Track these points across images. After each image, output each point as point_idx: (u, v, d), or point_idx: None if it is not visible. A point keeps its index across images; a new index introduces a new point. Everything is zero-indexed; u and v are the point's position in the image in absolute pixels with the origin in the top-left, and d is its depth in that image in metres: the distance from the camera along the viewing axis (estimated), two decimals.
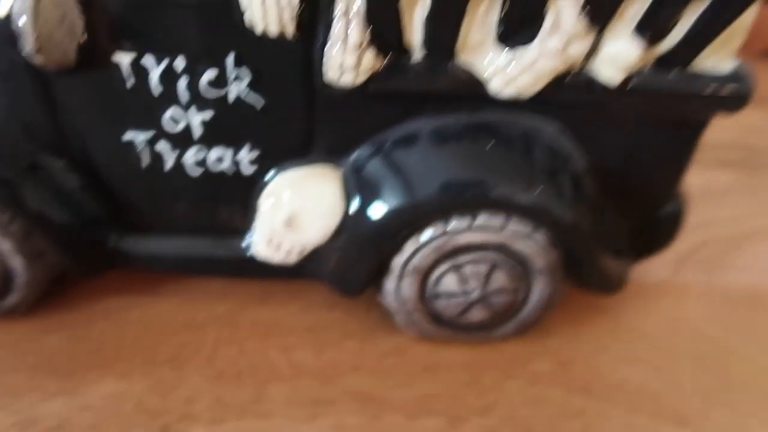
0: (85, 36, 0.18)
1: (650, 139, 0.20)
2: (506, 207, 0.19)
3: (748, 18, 0.18)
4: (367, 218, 0.20)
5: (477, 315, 0.22)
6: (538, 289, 0.21)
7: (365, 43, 0.17)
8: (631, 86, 0.18)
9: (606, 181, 0.21)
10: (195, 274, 0.23)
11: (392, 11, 0.17)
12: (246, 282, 0.24)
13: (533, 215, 0.20)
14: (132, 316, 0.23)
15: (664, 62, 0.18)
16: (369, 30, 0.17)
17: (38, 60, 0.17)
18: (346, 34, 0.17)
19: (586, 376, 0.22)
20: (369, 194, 0.20)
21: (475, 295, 0.21)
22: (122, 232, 0.22)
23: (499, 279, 0.21)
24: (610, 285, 0.22)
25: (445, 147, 0.19)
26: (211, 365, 0.22)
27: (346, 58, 0.18)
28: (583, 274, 0.21)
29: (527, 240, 0.20)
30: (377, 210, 0.20)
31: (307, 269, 0.22)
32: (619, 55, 0.18)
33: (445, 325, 0.22)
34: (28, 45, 0.17)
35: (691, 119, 0.20)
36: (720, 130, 0.32)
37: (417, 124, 0.19)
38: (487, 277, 0.21)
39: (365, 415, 0.20)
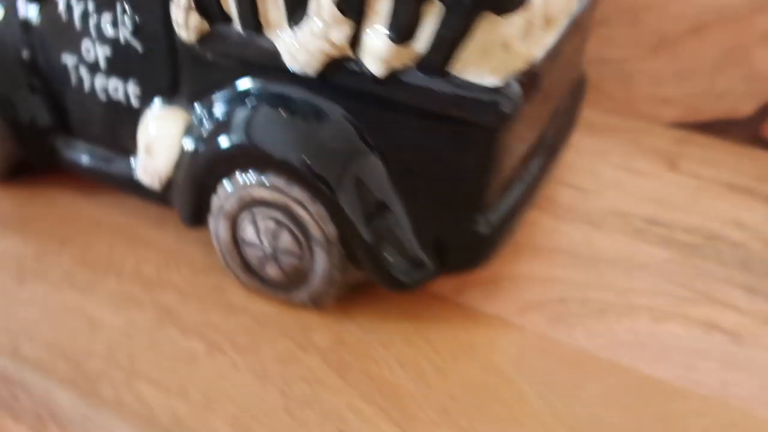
0: None
1: (436, 144, 0.21)
2: (287, 171, 0.22)
3: (498, 36, 0.19)
4: (189, 157, 0.24)
5: (272, 271, 0.24)
6: (320, 261, 0.23)
7: (191, 6, 0.22)
8: (397, 83, 0.20)
9: (400, 180, 0.22)
10: (102, 182, 0.29)
11: None
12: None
13: (311, 186, 0.22)
14: (62, 203, 0.29)
15: (423, 63, 0.20)
16: None
17: None
18: None
19: (352, 359, 0.23)
20: (193, 138, 0.24)
21: (268, 250, 0.24)
22: (64, 138, 0.28)
23: (285, 239, 0.23)
24: (392, 280, 0.23)
25: (253, 110, 0.23)
26: (83, 250, 0.27)
27: (178, 15, 0.22)
28: (360, 258, 0.23)
29: (306, 208, 0.22)
30: (194, 152, 0.24)
31: (170, 197, 0.26)
32: (375, 48, 0.20)
33: (253, 275, 0.25)
34: None
35: (468, 129, 0.20)
36: (691, 213, 0.30)
37: (241, 86, 0.23)
38: (275, 235, 0.23)
39: (155, 320, 0.24)
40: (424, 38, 0.19)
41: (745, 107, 0.33)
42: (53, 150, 0.28)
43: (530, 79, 0.20)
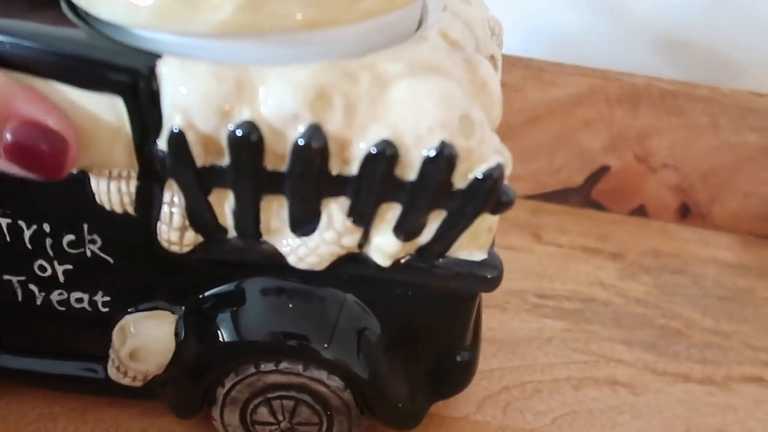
0: None
1: (430, 306, 0.25)
2: (305, 357, 0.24)
3: (486, 224, 0.23)
4: (191, 355, 0.24)
5: None
6: (337, 423, 0.25)
7: (186, 226, 0.22)
8: (400, 268, 0.23)
9: (398, 337, 0.25)
10: (59, 390, 0.27)
11: (204, 204, 0.22)
12: None
13: (327, 366, 0.24)
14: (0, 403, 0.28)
15: (423, 252, 0.23)
16: (187, 216, 0.22)
17: None
18: (171, 218, 0.22)
19: None
20: (194, 336, 0.24)
21: (284, 425, 0.25)
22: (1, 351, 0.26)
23: (303, 413, 0.25)
24: (403, 422, 0.26)
25: (258, 304, 0.24)
26: None
27: (171, 235, 0.23)
28: (376, 411, 0.25)
29: (324, 384, 0.24)
30: (198, 349, 0.24)
31: (153, 392, 0.26)
32: (383, 247, 0.23)
33: None
34: None
35: (458, 294, 0.24)
36: (566, 280, 0.37)
37: (238, 283, 0.24)
38: (293, 411, 0.25)
39: None
40: (427, 234, 0.23)
41: (578, 178, 0.42)
42: None
43: None
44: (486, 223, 0.23)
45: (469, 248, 0.23)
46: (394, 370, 0.25)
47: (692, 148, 0.40)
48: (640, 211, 0.42)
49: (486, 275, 0.23)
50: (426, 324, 0.25)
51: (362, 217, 0.22)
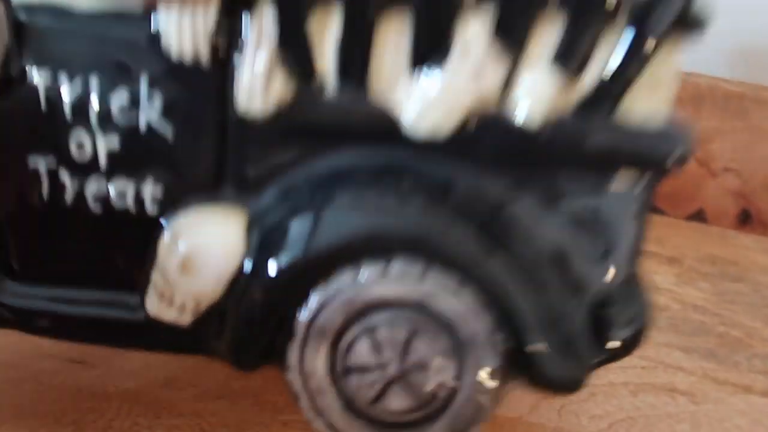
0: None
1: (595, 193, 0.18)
2: (423, 252, 0.17)
3: (668, 67, 0.18)
4: (269, 266, 0.18)
5: (397, 401, 0.18)
6: (470, 369, 0.18)
7: (275, 66, 0.17)
8: (553, 132, 0.17)
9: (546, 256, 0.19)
10: (85, 340, 0.20)
11: (302, 33, 0.17)
12: (156, 366, 0.24)
13: (455, 265, 0.17)
14: (57, 380, 0.24)
15: (587, 104, 0.18)
16: (279, 50, 0.17)
17: None
18: (255, 59, 0.17)
19: None
20: (267, 242, 0.18)
21: (393, 369, 0.18)
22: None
23: (421, 348, 0.18)
24: (559, 382, 0.19)
25: (357, 192, 0.18)
26: None
27: (255, 80, 0.17)
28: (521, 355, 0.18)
29: (452, 297, 0.17)
30: (282, 256, 0.18)
31: (204, 343, 0.19)
32: (536, 89, 0.17)
33: (360, 416, 0.18)
34: None
35: (628, 176, 0.18)
36: None
37: (331, 163, 0.18)
38: (406, 344, 0.18)
39: None
40: (593, 72, 0.17)
41: None
42: None
43: None
44: (668, 65, 0.18)
45: (646, 102, 0.18)
46: (547, 301, 0.18)
47: (756, 153, 0.38)
48: (699, 216, 0.39)
49: (668, 148, 0.18)
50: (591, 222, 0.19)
51: (511, 35, 0.17)
